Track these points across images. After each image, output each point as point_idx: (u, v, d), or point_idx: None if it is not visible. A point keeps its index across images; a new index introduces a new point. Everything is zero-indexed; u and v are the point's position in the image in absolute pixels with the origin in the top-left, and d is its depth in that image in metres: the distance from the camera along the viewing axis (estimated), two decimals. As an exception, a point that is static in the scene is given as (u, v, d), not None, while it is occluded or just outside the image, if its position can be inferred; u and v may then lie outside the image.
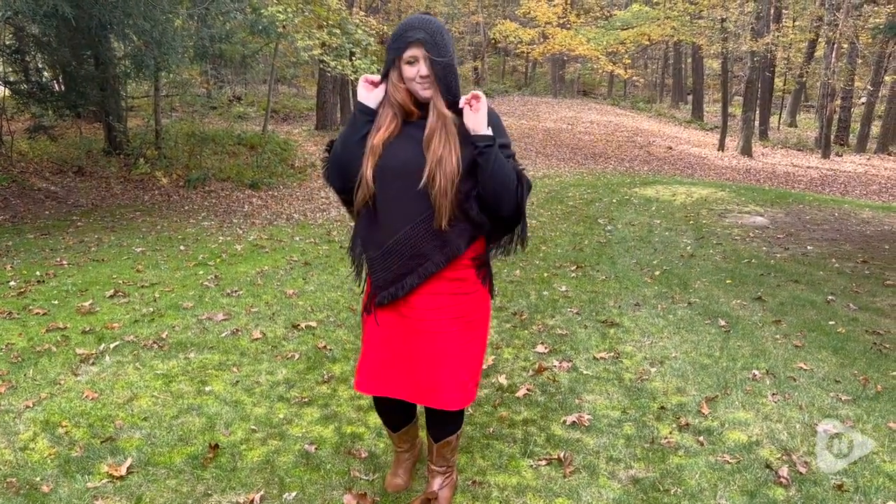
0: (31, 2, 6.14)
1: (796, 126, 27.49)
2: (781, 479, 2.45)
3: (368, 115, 1.92)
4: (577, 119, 23.51)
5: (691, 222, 8.56)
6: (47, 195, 9.01)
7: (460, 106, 1.86)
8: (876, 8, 17.54)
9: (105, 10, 7.01)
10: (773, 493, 2.38)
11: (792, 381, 3.39)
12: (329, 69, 13.54)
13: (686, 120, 25.94)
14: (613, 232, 7.80)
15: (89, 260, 5.71)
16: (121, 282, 4.95)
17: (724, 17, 18.64)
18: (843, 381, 3.42)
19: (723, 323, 4.30)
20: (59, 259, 5.67)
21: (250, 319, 4.13)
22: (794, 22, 24.52)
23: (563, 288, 5.12)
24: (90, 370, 3.26)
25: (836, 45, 19.88)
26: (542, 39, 22.24)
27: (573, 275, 5.60)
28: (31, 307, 4.25)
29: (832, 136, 20.28)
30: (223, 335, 3.81)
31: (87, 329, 3.84)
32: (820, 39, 22.95)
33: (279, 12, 11.17)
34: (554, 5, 22.41)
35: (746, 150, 18.91)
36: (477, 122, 1.83)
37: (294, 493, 2.29)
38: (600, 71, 26.85)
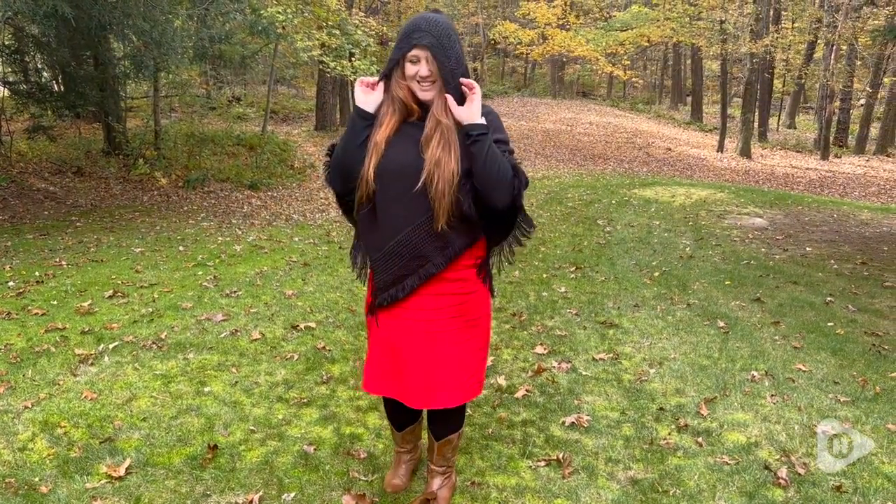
0: (31, 2, 6.15)
1: (795, 127, 27.51)
2: (780, 481, 2.45)
3: (367, 120, 1.92)
4: (576, 120, 23.53)
5: (690, 223, 8.56)
6: (46, 195, 9.00)
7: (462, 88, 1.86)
8: (875, 10, 17.57)
9: (104, 11, 7.02)
10: (771, 494, 2.38)
11: (791, 382, 3.39)
12: (328, 70, 13.56)
13: (685, 121, 25.95)
14: (612, 233, 7.80)
15: (88, 260, 5.70)
16: (120, 282, 4.94)
17: (724, 18, 18.68)
18: (841, 382, 3.42)
19: (722, 324, 4.31)
20: (58, 259, 5.67)
21: (249, 320, 4.13)
22: (793, 24, 24.58)
23: (563, 289, 5.13)
24: (89, 371, 3.26)
25: (835, 47, 19.91)
26: (541, 41, 22.26)
27: (572, 276, 5.60)
28: (29, 307, 4.24)
29: (831, 138, 20.29)
30: (222, 336, 3.81)
31: (86, 329, 3.83)
32: (819, 41, 22.98)
33: (279, 13, 11.18)
34: (553, 6, 22.46)
35: (745, 152, 18.93)
36: (470, 113, 1.84)
37: (293, 494, 2.29)
38: (599, 72, 26.93)
